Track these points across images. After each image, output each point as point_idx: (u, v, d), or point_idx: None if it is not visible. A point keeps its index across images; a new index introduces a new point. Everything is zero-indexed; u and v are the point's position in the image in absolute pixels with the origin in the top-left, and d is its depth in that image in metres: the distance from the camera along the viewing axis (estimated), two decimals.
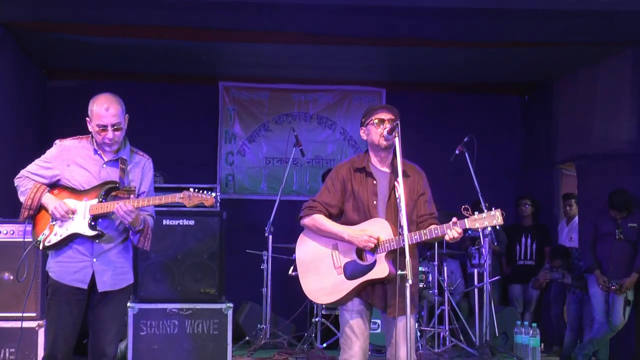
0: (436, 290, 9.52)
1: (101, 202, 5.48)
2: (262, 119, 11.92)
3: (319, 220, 5.57)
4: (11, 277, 5.79)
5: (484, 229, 9.13)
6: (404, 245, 5.07)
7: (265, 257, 9.53)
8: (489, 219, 5.27)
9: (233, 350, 7.99)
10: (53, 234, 5.50)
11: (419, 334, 9.14)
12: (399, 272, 5.07)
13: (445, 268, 9.80)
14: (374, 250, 5.39)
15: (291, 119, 11.92)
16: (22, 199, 5.58)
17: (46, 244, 5.51)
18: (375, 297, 5.45)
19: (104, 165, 5.58)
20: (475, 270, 9.80)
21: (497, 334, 9.50)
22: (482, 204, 8.58)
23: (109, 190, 5.52)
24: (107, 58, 10.52)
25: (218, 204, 8.37)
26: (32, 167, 5.63)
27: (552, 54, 10.14)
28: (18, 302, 5.85)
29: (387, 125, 5.46)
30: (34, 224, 5.61)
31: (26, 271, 6.31)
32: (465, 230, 5.33)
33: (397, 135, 5.30)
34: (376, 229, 5.41)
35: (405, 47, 9.92)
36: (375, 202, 5.50)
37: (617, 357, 9.45)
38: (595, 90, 10.34)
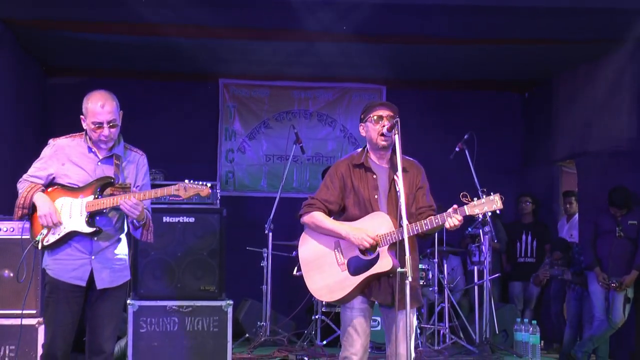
0: (436, 288, 9.52)
1: (97, 198, 5.48)
2: (262, 116, 11.91)
3: (318, 217, 5.56)
4: (11, 275, 5.78)
5: (485, 224, 9.23)
6: (404, 238, 5.08)
7: (265, 255, 9.54)
8: (489, 204, 5.25)
9: (233, 348, 7.99)
10: (51, 234, 5.49)
11: (419, 331, 9.14)
12: (399, 269, 5.08)
13: (445, 265, 9.80)
14: (374, 247, 5.38)
15: (291, 116, 11.91)
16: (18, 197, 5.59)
17: (45, 243, 5.49)
18: (381, 292, 5.44)
19: (99, 163, 5.58)
20: (476, 268, 9.80)
21: (497, 332, 9.50)
22: (479, 189, 8.64)
23: (105, 187, 5.52)
24: (107, 56, 10.51)
25: (218, 201, 8.37)
26: (30, 170, 5.63)
27: (552, 51, 10.14)
28: (18, 299, 5.85)
29: (386, 122, 5.46)
30: (31, 223, 5.60)
31: (25, 269, 6.32)
32: (470, 221, 5.32)
33: (396, 132, 5.29)
34: (377, 223, 5.41)
35: (405, 44, 9.92)
36: (376, 196, 5.50)
37: (617, 355, 9.45)
38: (595, 88, 10.33)
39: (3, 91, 9.15)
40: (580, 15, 8.74)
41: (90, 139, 5.57)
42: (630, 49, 9.55)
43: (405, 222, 5.11)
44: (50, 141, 5.67)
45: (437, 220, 5.29)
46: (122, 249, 5.74)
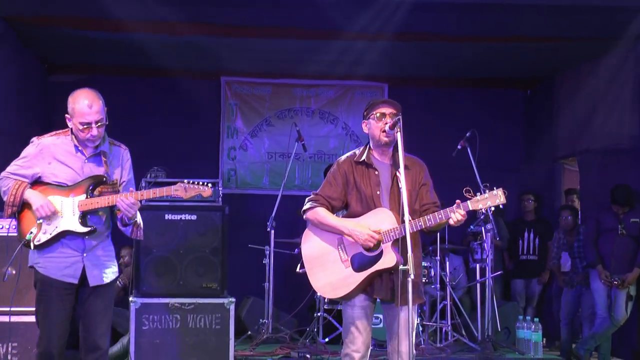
0: (438, 285, 9.53)
1: (89, 197, 5.50)
2: (264, 113, 11.92)
3: (321, 213, 5.56)
4: (13, 272, 5.79)
5: (487, 221, 9.23)
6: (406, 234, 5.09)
7: (268, 252, 9.54)
8: (492, 199, 5.25)
9: (235, 345, 8.00)
10: (42, 233, 5.49)
11: (421, 328, 9.15)
12: (401, 267, 5.09)
13: (447, 263, 9.81)
14: (377, 245, 5.39)
15: (293, 114, 11.92)
16: (4, 198, 5.55)
17: (35, 243, 5.48)
18: (383, 289, 5.45)
19: (86, 161, 5.58)
20: (478, 265, 9.80)
21: (499, 329, 9.51)
22: (481, 185, 8.64)
23: (96, 185, 5.54)
24: (108, 53, 10.52)
25: (220, 199, 8.38)
26: (11, 167, 5.60)
27: (554, 48, 10.14)
28: (20, 296, 5.86)
29: (388, 120, 5.46)
30: (18, 222, 5.59)
31: (9, 268, 6.34)
32: (472, 219, 5.32)
33: (398, 130, 5.30)
34: (379, 219, 5.41)
35: (407, 42, 9.92)
36: (378, 193, 5.50)
37: (619, 352, 9.45)
38: (598, 85, 10.33)
39: (4, 89, 9.16)
40: (582, 13, 8.75)
41: (76, 137, 5.56)
42: (632, 47, 9.56)
43: (407, 218, 5.11)
44: (35, 139, 5.64)
45: (440, 216, 5.29)
46: (110, 246, 5.77)
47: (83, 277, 5.54)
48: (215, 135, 11.81)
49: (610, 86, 10.08)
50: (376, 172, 5.55)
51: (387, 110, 5.52)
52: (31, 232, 5.49)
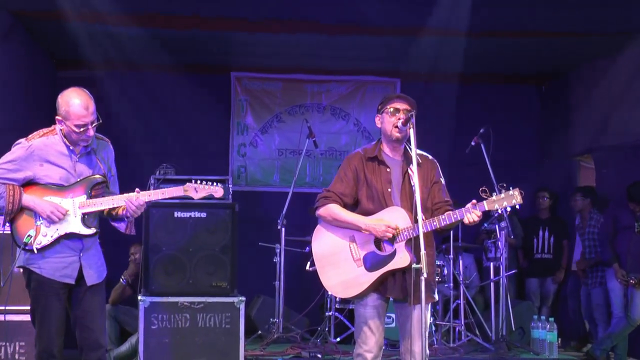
0: (451, 284, 9.51)
1: (90, 198, 5.53)
2: (274, 110, 11.91)
3: (334, 210, 5.56)
4: (21, 270, 5.80)
5: (501, 220, 9.21)
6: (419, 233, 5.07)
7: (278, 250, 9.53)
8: (508, 199, 5.24)
9: (245, 344, 7.98)
10: (42, 235, 5.49)
11: (433, 328, 9.14)
12: (414, 265, 5.08)
13: (460, 262, 9.78)
14: (392, 240, 5.37)
15: (304, 110, 11.91)
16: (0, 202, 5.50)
17: (37, 246, 5.47)
18: (395, 287, 5.44)
19: (77, 161, 5.59)
20: (492, 264, 9.78)
21: (513, 329, 9.48)
22: (497, 189, 8.60)
23: (95, 186, 5.57)
24: (116, 48, 10.50)
25: (230, 196, 8.37)
26: (0, 171, 5.52)
27: (570, 43, 10.10)
28: (25, 295, 5.86)
29: (402, 116, 5.46)
30: (14, 226, 5.56)
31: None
32: (486, 217, 5.30)
33: (411, 126, 5.30)
34: (393, 218, 5.40)
35: (420, 37, 9.89)
36: (389, 190, 5.50)
37: (636, 352, 9.42)
38: (614, 80, 10.29)
39: (13, 84, 9.17)
40: (598, 7, 8.71)
41: (67, 137, 5.55)
42: None
43: (420, 215, 5.10)
44: (24, 141, 5.61)
45: (455, 216, 5.29)
46: (99, 246, 5.82)
47: (78, 277, 5.58)
48: (225, 132, 11.80)
49: (626, 82, 10.03)
50: (387, 169, 5.55)
51: (401, 105, 5.52)
52: (29, 235, 5.48)
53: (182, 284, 7.90)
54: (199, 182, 5.64)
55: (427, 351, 5.24)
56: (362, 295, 5.49)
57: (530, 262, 11.19)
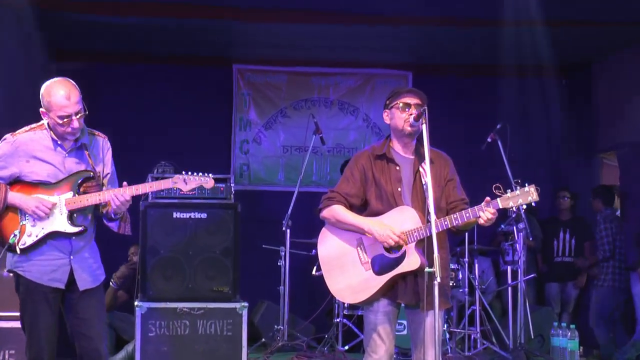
0: (467, 289, 9.51)
1: (77, 195, 5.51)
2: (279, 104, 11.91)
3: (338, 211, 5.55)
4: (10, 275, 5.82)
5: (519, 220, 9.21)
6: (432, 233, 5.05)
7: (283, 253, 9.55)
8: (523, 196, 5.22)
9: (248, 353, 8.01)
10: (26, 235, 5.49)
11: (448, 335, 9.14)
12: (427, 269, 5.05)
13: (476, 265, 9.78)
14: (399, 247, 5.37)
15: (310, 105, 11.91)
16: None
17: (21, 246, 5.47)
18: (407, 293, 5.42)
19: (67, 156, 5.58)
20: (509, 268, 9.77)
21: (532, 336, 9.49)
22: (513, 186, 8.60)
23: (83, 182, 5.55)
24: (115, 39, 10.54)
25: (232, 196, 8.38)
26: None
27: (593, 33, 10.08)
28: (15, 301, 5.87)
29: (413, 111, 5.43)
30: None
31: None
32: (503, 218, 5.27)
33: (424, 122, 5.27)
34: (403, 218, 5.38)
35: (434, 26, 9.89)
36: (399, 189, 5.48)
37: None
38: None
39: (8, 75, 9.18)
40: None
41: (54, 131, 5.54)
42: None
43: (433, 216, 5.09)
44: (9, 137, 5.61)
45: (468, 215, 5.26)
46: (95, 247, 5.80)
47: (70, 282, 5.56)
48: (227, 128, 11.80)
49: None
50: (397, 167, 5.53)
51: (412, 100, 5.50)
52: (14, 235, 5.48)
53: (181, 288, 7.92)
54: (189, 173, 5.64)
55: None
56: (370, 301, 5.48)
57: (550, 265, 11.18)
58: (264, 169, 11.87)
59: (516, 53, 11.01)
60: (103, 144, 5.80)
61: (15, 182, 5.55)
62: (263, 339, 9.70)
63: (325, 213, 5.62)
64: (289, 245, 9.57)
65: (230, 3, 9.37)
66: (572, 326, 9.20)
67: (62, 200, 5.49)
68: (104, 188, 5.64)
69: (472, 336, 9.49)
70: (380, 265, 5.43)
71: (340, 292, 5.63)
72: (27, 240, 5.47)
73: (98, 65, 10.71)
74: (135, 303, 7.75)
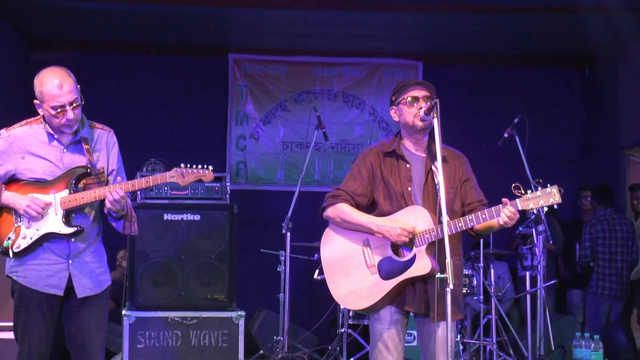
0: (482, 297, 9.50)
1: (73, 192, 5.46)
2: (278, 97, 11.91)
3: (344, 210, 5.53)
4: None
5: (538, 223, 9.20)
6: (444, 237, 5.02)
7: (283, 258, 9.53)
8: (545, 198, 5.18)
9: None
10: (21, 238, 5.46)
11: (461, 347, 9.13)
12: (438, 275, 5.02)
13: (492, 271, 9.77)
14: (410, 245, 5.36)
15: (312, 97, 11.92)
16: None
17: (15, 249, 5.45)
18: (415, 299, 5.39)
19: (65, 151, 5.54)
20: (528, 274, 9.74)
21: (552, 348, 9.47)
22: (532, 186, 8.58)
23: (80, 178, 5.50)
24: (98, 27, 10.54)
25: (228, 196, 8.38)
26: None
27: (617, 20, 10.06)
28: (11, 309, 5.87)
29: (423, 104, 5.40)
30: None
31: None
32: (521, 219, 5.24)
33: (435, 115, 5.23)
34: (414, 218, 5.35)
35: (445, 13, 9.89)
36: (409, 189, 5.45)
37: None
38: None
39: None
40: None
41: (49, 125, 5.52)
42: None
43: (445, 217, 5.05)
44: (3, 132, 5.59)
45: (484, 216, 5.22)
46: (100, 250, 5.74)
47: (69, 288, 5.52)
48: (222, 123, 11.81)
49: None
50: (407, 165, 5.50)
51: (419, 92, 5.47)
52: (9, 238, 5.46)
53: (173, 296, 7.92)
54: (188, 165, 5.61)
55: None
56: (376, 308, 5.45)
57: (572, 271, 11.18)
58: (262, 166, 11.87)
59: (534, 41, 11.03)
60: (108, 138, 5.77)
61: (12, 181, 5.54)
62: (261, 351, 9.70)
63: (330, 212, 5.60)
64: (289, 249, 9.55)
65: None
66: (596, 337, 9.20)
67: (58, 199, 5.45)
68: (109, 184, 5.59)
69: (488, 347, 9.47)
70: (387, 269, 5.40)
71: (343, 298, 5.59)
72: (22, 243, 5.45)
73: (82, 55, 10.72)
74: (123, 312, 7.75)
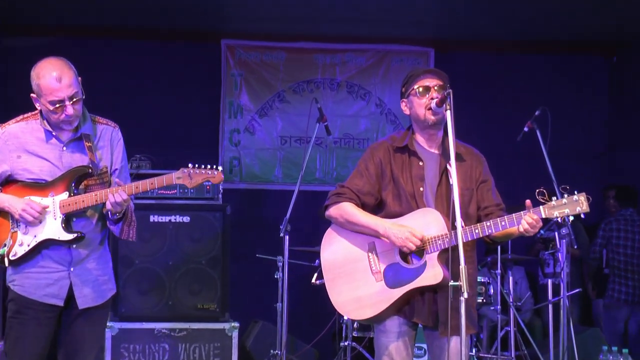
0: (499, 307, 9.50)
1: (73, 195, 5.43)
2: (276, 87, 11.91)
3: (349, 209, 5.51)
4: None
5: (562, 226, 9.20)
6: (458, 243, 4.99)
7: (281, 264, 9.51)
8: (571, 206, 5.17)
9: None
10: (18, 244, 5.45)
11: None
12: (452, 282, 4.99)
13: (510, 278, 9.77)
14: (420, 252, 5.34)
15: (313, 87, 11.92)
16: None
17: (11, 257, 5.44)
18: (423, 310, 5.38)
19: (64, 149, 5.52)
20: (550, 281, 9.74)
21: None
22: (558, 193, 8.56)
23: (80, 179, 5.48)
24: (76, 10, 10.52)
25: (220, 196, 8.39)
26: None
27: None
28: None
29: (435, 95, 5.39)
30: None
31: None
32: (542, 222, 5.22)
33: (448, 107, 5.19)
34: (425, 222, 5.33)
35: None
36: (421, 189, 5.44)
37: None
38: None
39: None
40: None
41: (47, 120, 5.49)
42: None
43: (459, 221, 5.03)
44: None
45: (503, 223, 5.20)
46: (105, 256, 5.74)
47: (69, 297, 5.51)
48: (214, 115, 11.80)
49: None
50: (420, 163, 5.49)
51: (431, 82, 5.46)
52: (5, 245, 5.46)
53: (160, 305, 7.93)
54: (195, 165, 5.56)
55: None
56: (380, 318, 5.45)
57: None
58: (258, 163, 11.87)
59: (556, 25, 11.01)
60: (113, 134, 5.77)
61: (10, 182, 5.52)
62: None
63: (333, 211, 5.59)
64: (288, 254, 9.54)
65: None
66: (625, 350, 9.20)
67: (57, 202, 5.44)
68: (112, 185, 5.56)
69: None
70: (394, 277, 5.39)
71: (344, 306, 5.58)
72: (19, 251, 5.44)
73: (59, 40, 10.69)
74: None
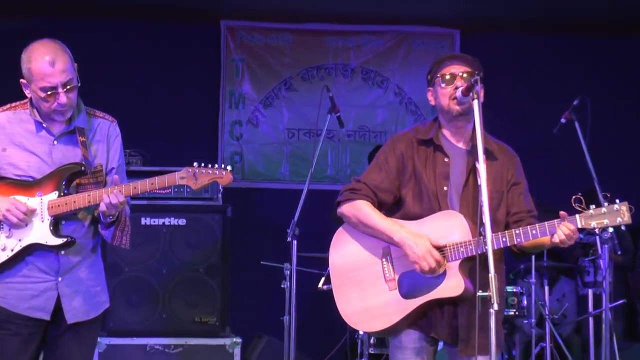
0: (533, 320, 9.51)
1: (63, 195, 5.42)
2: (282, 73, 11.93)
3: (363, 209, 5.47)
4: None
5: (603, 230, 9.20)
6: (485, 251, 4.90)
7: (288, 272, 9.54)
8: (610, 216, 5.14)
9: None
10: (0, 249, 5.44)
11: None
12: (479, 293, 4.90)
13: (546, 288, 9.77)
14: (437, 268, 5.28)
15: (324, 74, 11.94)
16: None
17: None
18: (442, 325, 5.35)
19: (55, 142, 5.50)
20: (590, 291, 9.76)
21: None
22: (600, 194, 8.53)
23: (72, 178, 5.46)
24: None
25: (220, 196, 8.41)
26: None
27: None
28: None
29: (461, 83, 5.34)
30: None
31: None
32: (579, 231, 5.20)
33: (476, 96, 5.13)
34: (449, 227, 5.29)
35: None
36: (445, 188, 5.39)
37: None
38: None
39: None
40: None
41: (38, 110, 5.48)
42: None
43: (488, 227, 4.94)
44: None
45: (534, 231, 5.14)
46: (98, 265, 5.74)
47: (57, 310, 5.48)
48: (213, 105, 11.83)
49: None
50: (446, 159, 5.45)
51: (457, 68, 5.42)
52: None
53: (153, 319, 7.95)
54: (201, 164, 5.53)
55: None
56: (394, 331, 5.42)
57: None
58: (263, 159, 11.89)
59: (597, 5, 10.99)
60: (110, 129, 5.75)
61: None
62: None
63: (346, 209, 5.55)
64: (296, 261, 9.56)
65: None
66: None
67: (45, 202, 5.41)
68: (107, 185, 5.55)
69: None
70: (410, 286, 5.34)
71: (353, 316, 5.55)
72: (1, 256, 5.42)
73: (41, 21, 10.72)
74: None
